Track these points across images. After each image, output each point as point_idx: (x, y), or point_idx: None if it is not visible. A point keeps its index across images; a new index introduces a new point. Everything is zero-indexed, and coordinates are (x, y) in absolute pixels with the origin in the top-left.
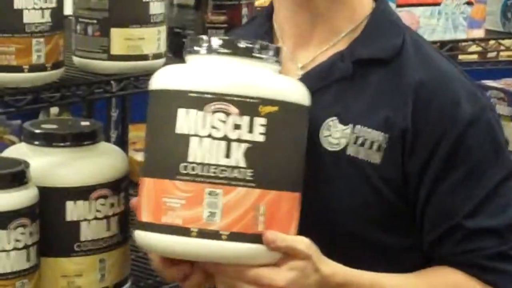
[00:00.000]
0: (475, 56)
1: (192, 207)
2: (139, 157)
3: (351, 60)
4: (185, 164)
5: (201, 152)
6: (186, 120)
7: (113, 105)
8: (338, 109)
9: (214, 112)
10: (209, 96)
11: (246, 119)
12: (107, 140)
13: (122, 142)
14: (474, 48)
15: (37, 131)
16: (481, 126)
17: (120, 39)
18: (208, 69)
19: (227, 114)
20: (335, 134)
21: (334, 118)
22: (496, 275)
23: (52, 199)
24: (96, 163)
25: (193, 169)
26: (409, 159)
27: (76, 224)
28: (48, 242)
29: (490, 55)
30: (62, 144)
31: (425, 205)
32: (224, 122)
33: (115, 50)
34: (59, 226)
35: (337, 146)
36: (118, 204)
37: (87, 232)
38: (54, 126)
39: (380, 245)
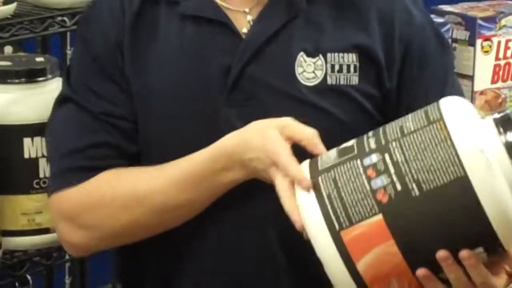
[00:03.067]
0: None
1: None
2: None
3: None
4: None
5: None
6: None
7: (68, 42)
8: (303, 44)
9: None
10: None
11: None
12: None
13: None
14: None
15: None
16: (432, 26)
17: None
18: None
19: None
20: (308, 69)
21: (302, 53)
22: None
23: (9, 137)
24: (52, 98)
25: None
26: (387, 77)
27: (34, 161)
28: (7, 180)
29: None
30: (17, 80)
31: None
32: None
33: None
34: (17, 163)
35: (315, 79)
36: None
37: (46, 169)
38: (8, 63)
39: None
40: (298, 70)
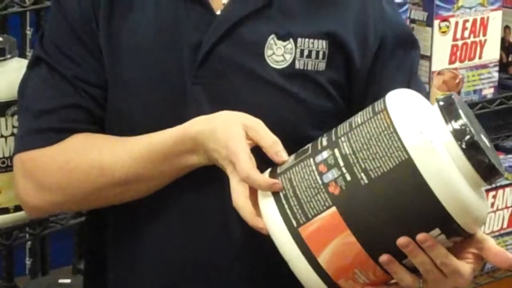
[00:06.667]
0: None
1: None
2: None
3: None
4: None
5: None
6: None
7: (28, 22)
8: (274, 28)
9: None
10: None
11: None
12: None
13: None
14: None
15: None
16: (402, 22)
17: None
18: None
19: None
20: (278, 52)
21: (273, 35)
22: None
23: None
24: (11, 78)
25: None
26: (360, 65)
27: None
28: None
29: None
30: None
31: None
32: None
33: None
34: None
35: (283, 62)
36: None
37: (5, 149)
38: None
39: (306, 140)
40: (268, 52)
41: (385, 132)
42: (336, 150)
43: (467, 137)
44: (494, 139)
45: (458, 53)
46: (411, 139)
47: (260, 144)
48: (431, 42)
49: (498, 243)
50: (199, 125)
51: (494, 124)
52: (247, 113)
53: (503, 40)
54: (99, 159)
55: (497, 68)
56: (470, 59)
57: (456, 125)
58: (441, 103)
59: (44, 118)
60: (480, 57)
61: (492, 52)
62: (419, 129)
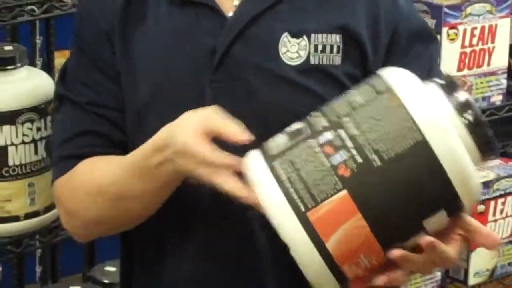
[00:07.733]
0: None
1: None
2: None
3: None
4: None
5: None
6: None
7: (38, 31)
8: (287, 25)
9: None
10: None
11: None
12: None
13: (49, 69)
14: None
15: None
16: (417, 15)
17: None
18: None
19: None
20: (292, 49)
21: (286, 33)
22: None
23: None
24: (21, 87)
25: None
26: (373, 58)
27: (3, 149)
28: None
29: None
30: None
31: None
32: None
33: None
34: None
35: (298, 59)
36: (45, 128)
37: (15, 157)
38: None
39: None
40: (282, 50)
41: (396, 113)
42: (341, 131)
43: (471, 114)
44: (503, 145)
45: (467, 60)
46: (425, 121)
47: (221, 131)
48: (440, 49)
49: (507, 250)
50: (163, 132)
51: (503, 130)
52: (265, 112)
53: (511, 47)
54: (97, 179)
55: (505, 75)
56: (479, 66)
57: (460, 102)
58: (442, 82)
59: (64, 146)
60: (488, 64)
61: (500, 59)
62: (431, 110)
